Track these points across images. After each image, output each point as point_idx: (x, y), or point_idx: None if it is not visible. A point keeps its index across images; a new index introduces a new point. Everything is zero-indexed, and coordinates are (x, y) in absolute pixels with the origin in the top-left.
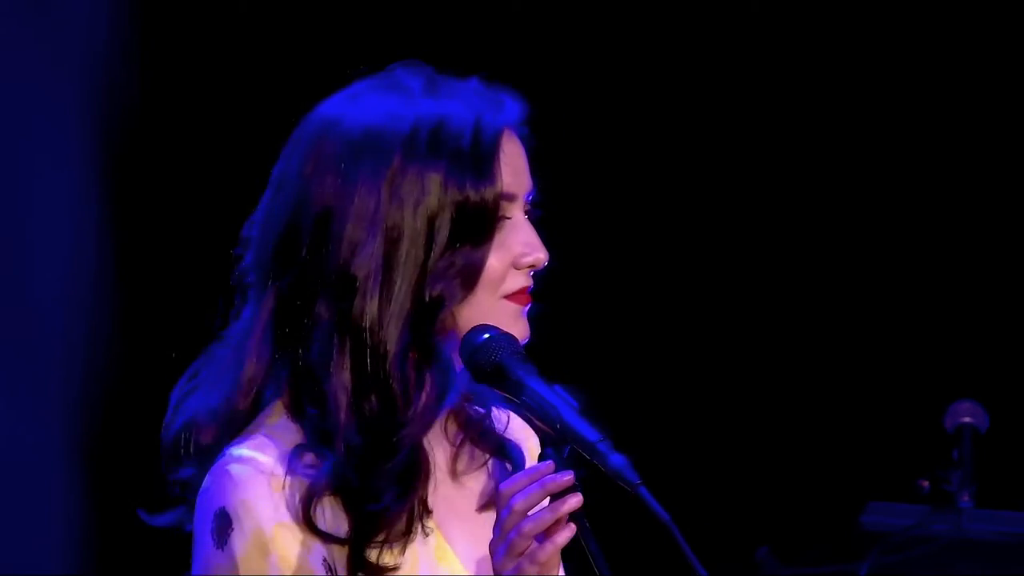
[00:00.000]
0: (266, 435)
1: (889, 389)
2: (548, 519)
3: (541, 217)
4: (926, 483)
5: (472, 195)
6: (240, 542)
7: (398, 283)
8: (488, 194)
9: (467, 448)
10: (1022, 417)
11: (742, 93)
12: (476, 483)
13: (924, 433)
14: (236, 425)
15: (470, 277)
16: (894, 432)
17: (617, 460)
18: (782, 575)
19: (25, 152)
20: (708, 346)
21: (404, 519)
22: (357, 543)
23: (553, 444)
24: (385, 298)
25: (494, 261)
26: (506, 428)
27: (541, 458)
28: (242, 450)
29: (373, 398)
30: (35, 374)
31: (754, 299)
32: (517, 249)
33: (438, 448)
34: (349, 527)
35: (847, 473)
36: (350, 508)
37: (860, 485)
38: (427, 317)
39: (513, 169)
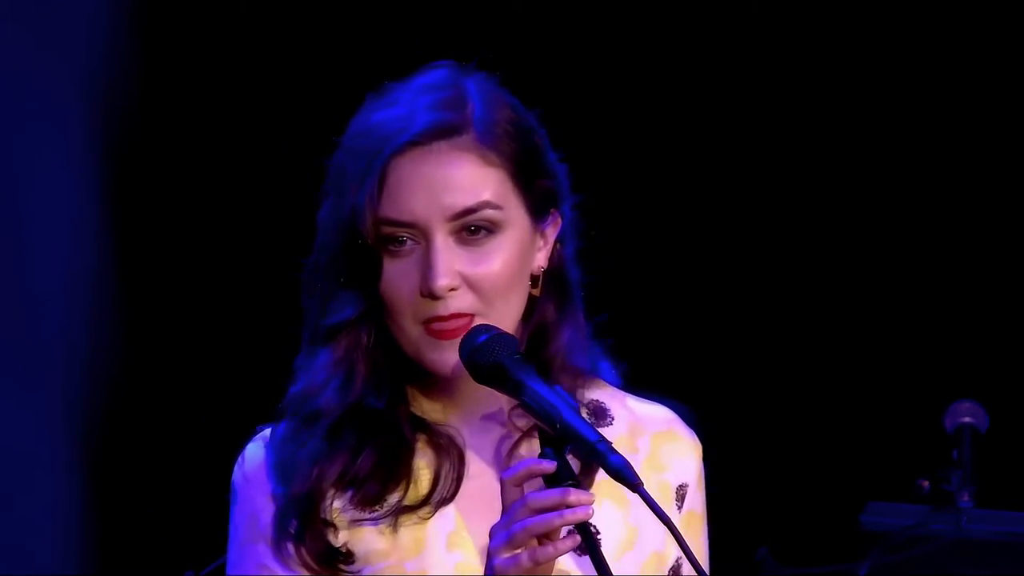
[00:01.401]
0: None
1: (889, 389)
2: (556, 523)
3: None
4: (926, 483)
5: (349, 229)
6: (240, 513)
7: (315, 289)
8: (363, 230)
9: (527, 441)
10: (1022, 417)
11: (743, 93)
12: (519, 460)
13: (924, 433)
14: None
15: (355, 303)
16: (894, 432)
17: (617, 460)
18: (782, 575)
19: (26, 151)
20: (708, 346)
21: (402, 495)
22: (308, 502)
23: (553, 444)
24: (314, 301)
25: (400, 288)
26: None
27: (541, 457)
28: (265, 431)
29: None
30: (35, 373)
31: (754, 300)
32: (417, 277)
33: (487, 440)
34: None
35: (847, 473)
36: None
37: (860, 485)
38: (321, 326)
39: (414, 193)
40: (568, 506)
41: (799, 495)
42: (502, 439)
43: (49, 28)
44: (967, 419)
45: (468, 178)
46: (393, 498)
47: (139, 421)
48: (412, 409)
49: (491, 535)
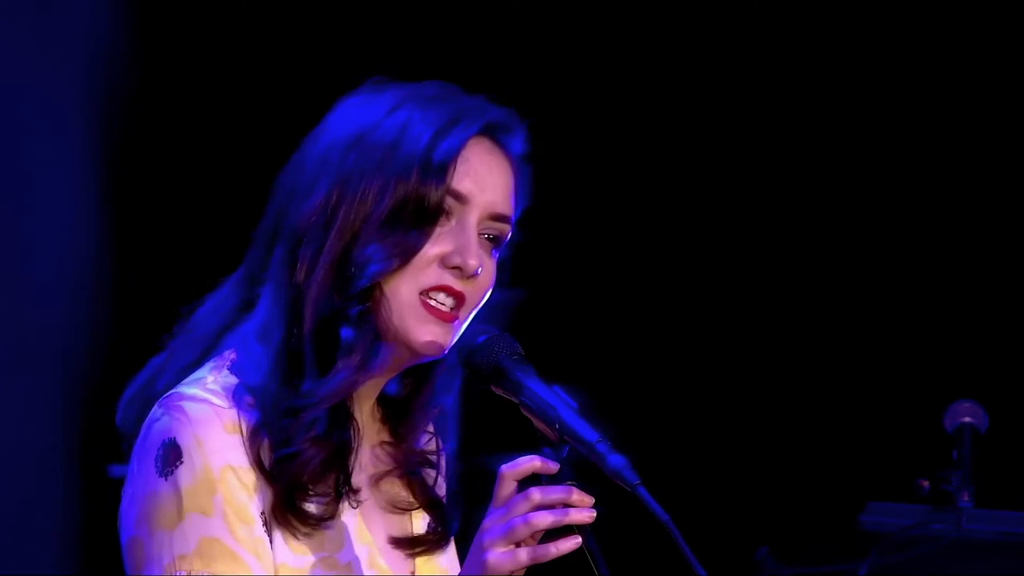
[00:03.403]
0: (215, 383)
1: (889, 389)
2: (562, 520)
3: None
4: (926, 483)
5: (417, 183)
6: (187, 476)
7: (329, 241)
8: (433, 190)
9: (390, 462)
10: (1022, 417)
11: (741, 93)
12: (391, 489)
13: (924, 433)
14: (185, 370)
15: (395, 258)
16: (894, 432)
17: (616, 460)
18: (782, 575)
19: (27, 149)
20: (708, 347)
21: (329, 480)
22: (285, 487)
23: (552, 445)
24: (316, 253)
25: (424, 250)
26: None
27: (541, 457)
28: (194, 390)
29: (292, 354)
30: (34, 369)
31: (754, 300)
32: (449, 247)
33: (365, 444)
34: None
35: (847, 473)
36: (272, 452)
37: (860, 485)
38: (348, 282)
39: (475, 178)
40: (569, 504)
41: (799, 495)
42: (380, 461)
43: (49, 28)
44: (967, 419)
45: (511, 191)
46: (321, 485)
47: None
48: None
49: (484, 529)
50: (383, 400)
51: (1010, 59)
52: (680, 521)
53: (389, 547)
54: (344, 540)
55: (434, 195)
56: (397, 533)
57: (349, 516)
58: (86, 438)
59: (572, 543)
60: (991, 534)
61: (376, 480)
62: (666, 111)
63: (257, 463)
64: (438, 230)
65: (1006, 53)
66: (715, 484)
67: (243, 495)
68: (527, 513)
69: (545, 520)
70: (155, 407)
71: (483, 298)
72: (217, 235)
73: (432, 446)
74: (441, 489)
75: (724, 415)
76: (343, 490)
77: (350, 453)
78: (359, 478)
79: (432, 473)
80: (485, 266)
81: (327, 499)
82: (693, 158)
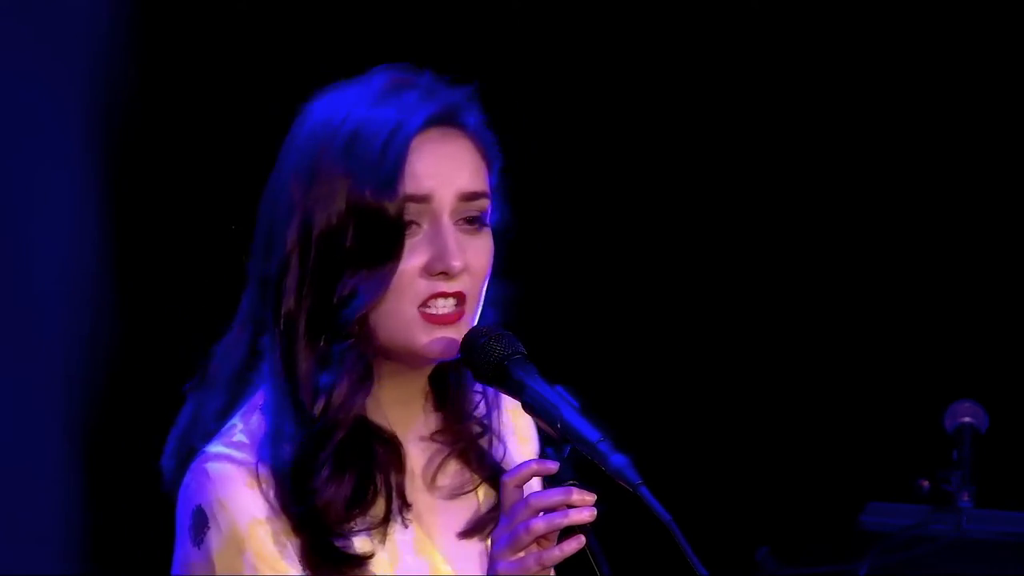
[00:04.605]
0: (243, 431)
1: (889, 389)
2: (562, 523)
3: (524, 223)
4: (926, 483)
5: (373, 203)
6: (216, 540)
7: (308, 280)
8: (389, 205)
9: (445, 448)
10: (1022, 417)
11: (740, 92)
12: (449, 478)
13: (924, 433)
14: (216, 418)
15: (376, 284)
16: (894, 432)
17: (618, 460)
18: (782, 575)
19: (26, 150)
20: (708, 346)
21: (371, 508)
22: (312, 534)
23: (554, 444)
24: (299, 295)
25: (404, 266)
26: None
27: (542, 458)
28: (219, 447)
29: (292, 395)
30: (35, 371)
31: (753, 299)
32: (427, 256)
33: (416, 445)
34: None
35: (847, 473)
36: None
37: (860, 485)
38: (332, 319)
39: (432, 175)
40: (571, 506)
41: (799, 495)
42: (435, 453)
43: (48, 27)
44: (967, 419)
45: (475, 165)
46: (362, 517)
47: (139, 420)
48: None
49: (493, 540)
50: (431, 381)
51: (1010, 59)
52: (681, 521)
53: (459, 544)
54: (397, 564)
55: (391, 209)
56: (466, 523)
57: (402, 535)
58: (87, 440)
59: (576, 544)
60: (991, 534)
61: (432, 477)
62: (670, 110)
63: (285, 510)
64: (410, 241)
65: (1006, 53)
66: (715, 484)
67: (274, 546)
68: (528, 520)
69: (544, 525)
70: (187, 473)
71: (484, 281)
72: (218, 236)
73: (483, 408)
74: (498, 452)
75: (724, 415)
76: (392, 513)
77: (382, 474)
78: (413, 487)
79: (488, 438)
80: (474, 250)
81: (371, 529)
82: (693, 158)
